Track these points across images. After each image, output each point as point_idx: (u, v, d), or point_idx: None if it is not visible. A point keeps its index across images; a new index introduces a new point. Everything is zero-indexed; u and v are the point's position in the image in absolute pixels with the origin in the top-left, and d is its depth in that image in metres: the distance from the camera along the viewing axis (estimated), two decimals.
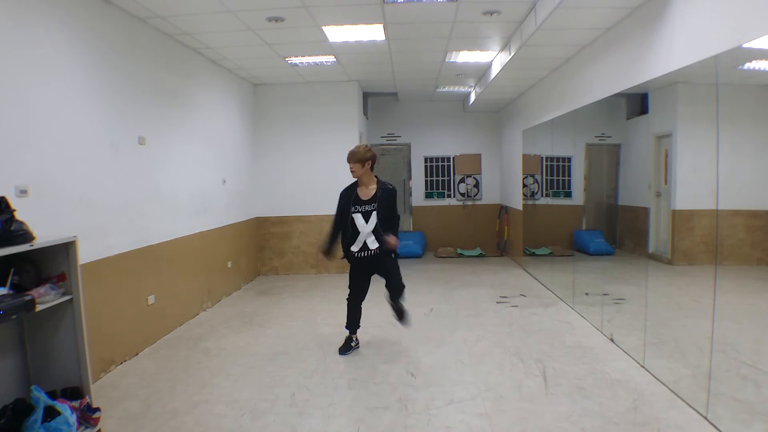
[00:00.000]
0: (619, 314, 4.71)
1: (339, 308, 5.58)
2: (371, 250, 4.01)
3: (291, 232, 7.68)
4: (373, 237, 4.00)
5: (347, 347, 4.23)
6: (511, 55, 5.37)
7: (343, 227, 4.06)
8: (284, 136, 7.58)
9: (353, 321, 4.27)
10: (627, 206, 5.36)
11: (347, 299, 4.27)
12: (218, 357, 4.18)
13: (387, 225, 4.03)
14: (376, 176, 4.09)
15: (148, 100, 4.55)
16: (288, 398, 3.35)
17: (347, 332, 4.30)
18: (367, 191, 4.02)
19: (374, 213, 3.97)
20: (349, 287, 4.26)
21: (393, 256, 4.13)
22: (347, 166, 3.97)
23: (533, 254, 7.77)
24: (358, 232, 3.99)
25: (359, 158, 3.94)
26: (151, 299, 4.51)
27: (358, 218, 3.98)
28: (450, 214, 9.83)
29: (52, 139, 3.33)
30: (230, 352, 4.29)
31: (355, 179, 4.06)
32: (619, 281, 5.38)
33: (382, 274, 4.18)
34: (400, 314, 4.26)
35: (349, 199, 4.03)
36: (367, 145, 4.09)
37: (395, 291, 4.21)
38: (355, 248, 4.04)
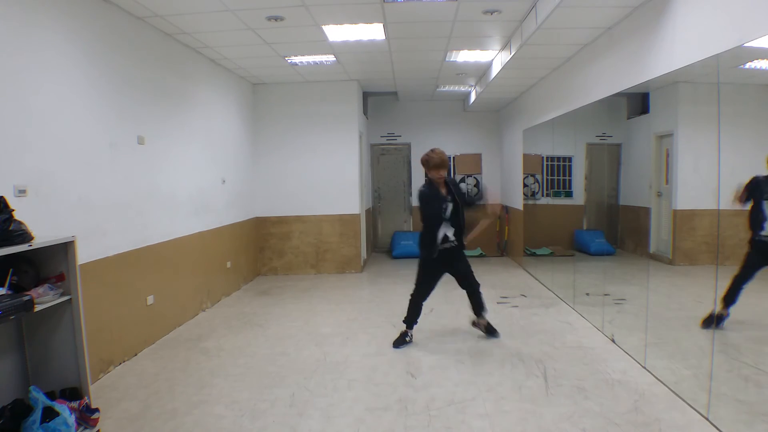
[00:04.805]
0: (620, 314, 4.71)
1: (339, 308, 5.58)
2: (451, 241, 4.17)
3: (291, 232, 7.67)
4: (453, 229, 4.16)
5: (401, 341, 4.31)
6: (512, 54, 5.36)
7: (436, 226, 4.15)
8: (284, 136, 7.57)
9: (413, 318, 4.37)
10: (628, 206, 5.35)
11: (411, 296, 4.36)
12: (217, 357, 4.17)
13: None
14: None
15: (148, 100, 4.53)
16: (287, 399, 3.34)
17: (404, 327, 4.38)
18: (443, 188, 4.19)
19: (451, 204, 4.14)
20: (419, 284, 4.33)
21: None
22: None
23: (534, 254, 7.76)
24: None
25: (447, 165, 4.18)
26: (150, 299, 4.50)
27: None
28: None
29: (50, 138, 3.31)
30: (229, 352, 4.28)
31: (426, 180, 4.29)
32: (620, 281, 5.37)
33: (456, 271, 4.32)
34: (490, 330, 4.45)
35: (440, 197, 4.13)
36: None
37: (474, 289, 4.37)
38: (438, 241, 4.16)
